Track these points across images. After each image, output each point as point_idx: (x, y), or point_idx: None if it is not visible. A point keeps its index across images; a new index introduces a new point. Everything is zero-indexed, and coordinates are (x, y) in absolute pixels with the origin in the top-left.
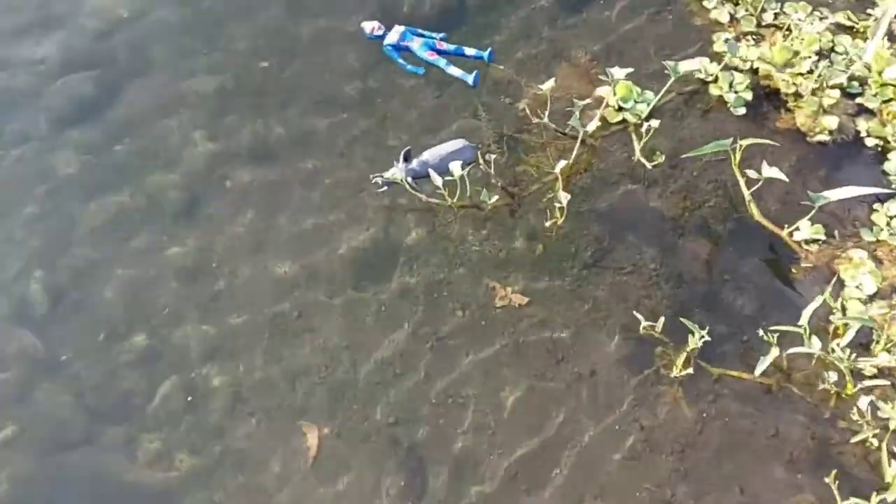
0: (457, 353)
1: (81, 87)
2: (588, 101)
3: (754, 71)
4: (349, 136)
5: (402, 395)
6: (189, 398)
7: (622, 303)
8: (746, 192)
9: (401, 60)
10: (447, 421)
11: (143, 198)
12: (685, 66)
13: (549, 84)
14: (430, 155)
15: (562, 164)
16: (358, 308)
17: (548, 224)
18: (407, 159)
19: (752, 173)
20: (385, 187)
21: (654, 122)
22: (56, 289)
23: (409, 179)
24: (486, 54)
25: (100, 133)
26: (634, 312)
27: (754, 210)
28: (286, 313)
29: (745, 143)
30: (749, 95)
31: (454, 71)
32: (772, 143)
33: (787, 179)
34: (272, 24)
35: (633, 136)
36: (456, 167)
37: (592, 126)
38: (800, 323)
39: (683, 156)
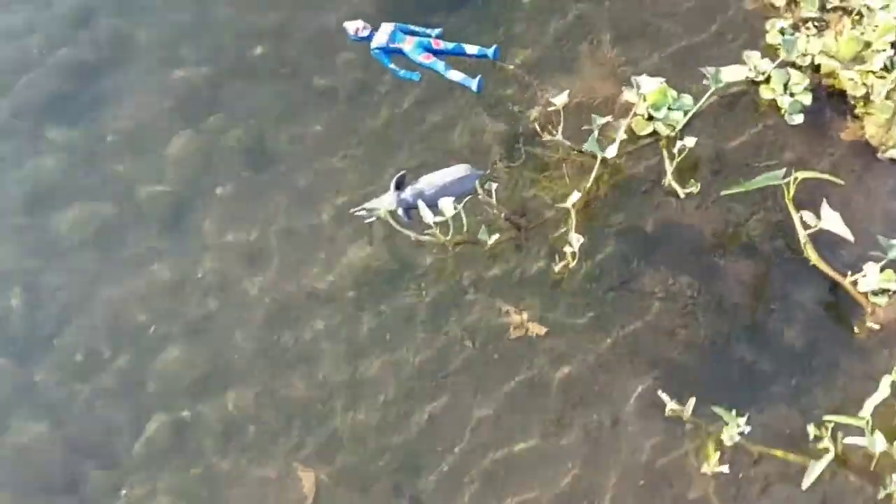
0: (464, 391)
1: (61, 76)
2: (608, 119)
3: (815, 67)
4: (351, 134)
5: (404, 439)
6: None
7: (652, 334)
8: (802, 233)
9: (392, 66)
10: (452, 470)
11: (127, 205)
12: (728, 73)
13: (562, 98)
14: (426, 183)
15: (575, 196)
16: (359, 336)
17: (557, 268)
18: (399, 187)
19: (808, 217)
20: (373, 217)
21: (690, 141)
22: (35, 306)
23: (401, 211)
24: (490, 52)
25: (80, 131)
26: (660, 392)
27: (811, 253)
28: (282, 339)
29: (800, 175)
30: (807, 99)
31: (455, 75)
32: (835, 180)
33: (851, 238)
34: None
35: (665, 153)
36: (448, 206)
37: (614, 150)
38: (861, 414)
39: (724, 193)
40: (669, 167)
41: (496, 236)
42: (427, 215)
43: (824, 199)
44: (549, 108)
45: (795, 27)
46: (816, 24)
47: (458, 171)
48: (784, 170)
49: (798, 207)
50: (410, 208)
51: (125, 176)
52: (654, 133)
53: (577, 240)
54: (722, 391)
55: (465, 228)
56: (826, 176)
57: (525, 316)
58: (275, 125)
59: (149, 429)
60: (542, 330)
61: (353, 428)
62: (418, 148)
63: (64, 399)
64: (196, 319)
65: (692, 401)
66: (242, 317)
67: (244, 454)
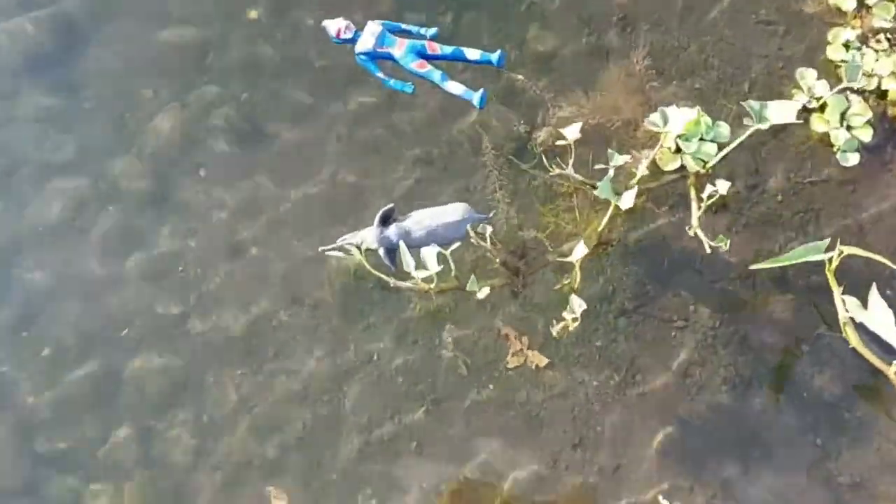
0: (455, 421)
1: (39, 29)
2: (626, 159)
3: (881, 94)
4: (350, 117)
5: (385, 469)
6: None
7: (665, 370)
8: (843, 314)
9: (380, 75)
10: None
11: (103, 184)
12: (776, 112)
13: (573, 132)
14: (415, 222)
15: (580, 251)
16: (344, 350)
17: (555, 332)
18: (385, 222)
19: (851, 304)
20: (347, 256)
21: (723, 185)
22: (2, 293)
23: (382, 252)
24: (495, 57)
25: (57, 94)
26: (661, 499)
27: (851, 336)
28: (263, 348)
29: (846, 251)
30: (867, 135)
31: (454, 88)
32: (888, 262)
33: None
34: None
35: (692, 192)
36: (431, 259)
37: (630, 200)
38: None
39: (752, 267)
40: (696, 212)
41: (486, 290)
42: (410, 265)
43: (874, 285)
44: (560, 142)
45: (863, 40)
46: (889, 36)
47: (455, 211)
48: (827, 241)
49: (840, 277)
50: (393, 249)
51: (102, 150)
52: (682, 168)
53: (578, 305)
54: (738, 443)
55: (452, 273)
56: (878, 257)
57: (525, 342)
58: (267, 103)
59: (116, 437)
60: (543, 361)
61: (333, 452)
62: (423, 136)
63: (28, 396)
64: (171, 319)
65: None
66: (221, 320)
67: (215, 472)
